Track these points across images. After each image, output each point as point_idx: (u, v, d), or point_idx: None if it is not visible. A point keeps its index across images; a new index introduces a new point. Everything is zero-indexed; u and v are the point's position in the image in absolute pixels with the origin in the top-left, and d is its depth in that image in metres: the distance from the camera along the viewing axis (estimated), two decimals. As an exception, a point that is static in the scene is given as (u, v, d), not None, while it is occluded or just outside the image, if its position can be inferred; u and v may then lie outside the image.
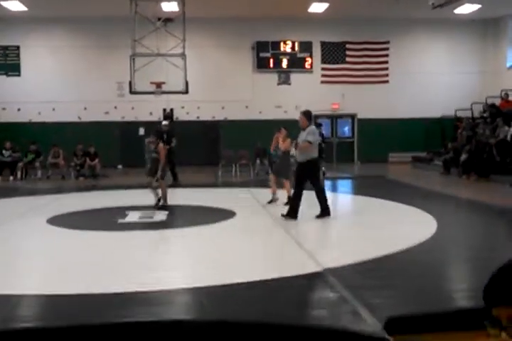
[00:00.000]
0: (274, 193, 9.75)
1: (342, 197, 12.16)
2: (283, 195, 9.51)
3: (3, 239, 7.25)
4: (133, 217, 8.68)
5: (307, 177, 8.21)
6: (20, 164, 15.66)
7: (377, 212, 9.23)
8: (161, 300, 4.66)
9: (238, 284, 4.93)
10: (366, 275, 5.29)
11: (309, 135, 8.15)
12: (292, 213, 8.11)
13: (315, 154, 8.25)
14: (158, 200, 9.47)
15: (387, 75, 20.48)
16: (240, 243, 6.91)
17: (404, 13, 18.60)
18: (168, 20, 16.20)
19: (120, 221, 8.33)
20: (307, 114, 8.48)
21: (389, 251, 6.05)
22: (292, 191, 8.59)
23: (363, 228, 7.75)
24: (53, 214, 8.96)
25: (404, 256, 6.00)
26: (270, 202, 9.73)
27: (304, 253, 6.09)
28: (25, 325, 3.96)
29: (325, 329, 3.97)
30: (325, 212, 8.25)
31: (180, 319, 4.15)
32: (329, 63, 20.34)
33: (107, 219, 8.50)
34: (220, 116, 20.05)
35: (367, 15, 18.91)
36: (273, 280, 5.10)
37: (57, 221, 8.34)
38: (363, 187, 13.07)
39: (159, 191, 9.52)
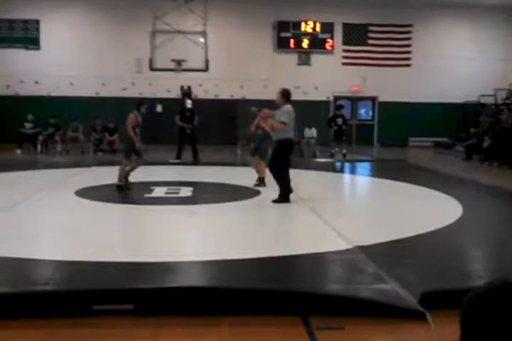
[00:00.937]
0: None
1: (364, 180, 12.20)
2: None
3: (37, 210, 7.36)
4: (159, 192, 8.75)
5: (280, 157, 7.98)
6: (40, 137, 15.76)
7: (401, 194, 9.23)
8: (187, 269, 4.74)
9: (263, 258, 4.97)
10: (396, 254, 5.33)
11: (283, 115, 7.94)
12: (283, 197, 7.89)
13: (288, 135, 8.01)
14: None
15: (409, 59, 20.31)
16: (266, 220, 6.98)
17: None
18: (189, -3, 16.08)
19: (147, 195, 8.40)
20: (283, 93, 8.21)
21: (417, 232, 6.07)
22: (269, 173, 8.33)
23: (388, 209, 7.75)
24: (79, 187, 9.04)
25: (433, 237, 6.02)
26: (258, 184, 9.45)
27: (332, 232, 6.12)
28: (53, 288, 4.11)
29: (362, 300, 4.03)
30: (283, 197, 7.95)
31: (219, 286, 4.23)
32: (351, 45, 20.18)
33: (133, 194, 8.59)
34: (238, 95, 19.99)
35: (391, -2, 18.67)
36: (302, 255, 5.15)
37: (85, 194, 8.42)
38: (385, 171, 13.01)
39: None
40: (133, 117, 9.03)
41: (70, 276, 4.48)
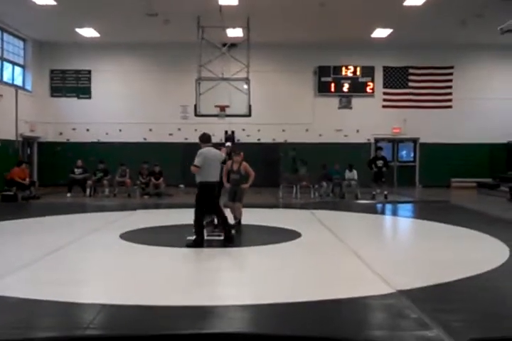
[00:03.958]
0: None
1: (406, 222, 12.03)
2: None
3: (82, 252, 7.59)
4: (201, 234, 8.86)
5: (200, 200, 7.96)
6: (89, 182, 16.32)
7: (445, 237, 9.06)
8: (228, 314, 4.70)
9: (305, 303, 4.94)
10: (441, 299, 5.22)
11: (196, 158, 7.90)
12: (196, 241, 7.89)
13: (205, 178, 7.89)
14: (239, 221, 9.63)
15: (450, 100, 20.33)
16: (307, 263, 6.94)
17: (470, 38, 18.49)
18: (232, 45, 16.66)
19: (189, 238, 8.53)
20: (200, 138, 8.24)
21: (462, 276, 5.95)
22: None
23: (431, 252, 7.61)
24: (124, 230, 9.29)
25: (480, 281, 5.88)
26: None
27: (374, 275, 6.06)
28: (96, 333, 4.17)
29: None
30: (227, 237, 8.01)
31: (248, 332, 4.23)
32: (391, 88, 20.42)
33: (175, 236, 8.71)
34: (280, 139, 20.30)
35: (431, 40, 18.91)
36: (343, 299, 5.09)
37: (129, 236, 8.65)
38: (427, 212, 12.87)
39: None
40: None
41: (110, 321, 4.54)
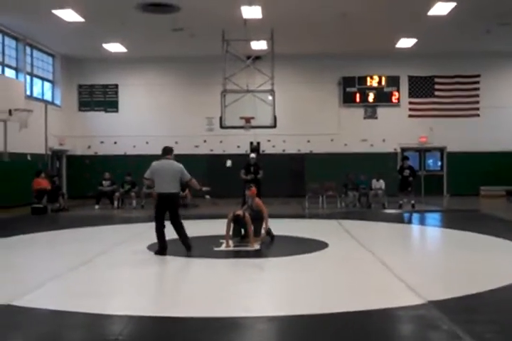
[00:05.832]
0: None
1: (434, 231, 11.88)
2: None
3: (111, 264, 7.67)
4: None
5: (156, 210, 8.30)
6: (117, 194, 16.55)
7: (474, 246, 8.93)
8: (257, 326, 4.69)
9: (334, 314, 4.90)
10: (472, 310, 5.12)
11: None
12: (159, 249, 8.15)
13: (158, 189, 8.10)
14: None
15: (477, 109, 20.08)
16: (335, 273, 6.90)
17: (496, 47, 18.30)
18: (257, 57, 16.76)
19: (216, 249, 8.57)
20: (162, 151, 8.36)
21: (495, 286, 5.85)
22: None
23: (461, 262, 7.51)
24: (152, 241, 9.32)
25: (510, 292, 5.77)
26: None
27: (403, 285, 5.99)
28: None
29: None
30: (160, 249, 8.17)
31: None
32: (417, 97, 20.29)
33: (203, 247, 8.74)
34: (305, 149, 20.31)
35: (456, 49, 18.77)
36: (373, 311, 5.02)
37: (157, 248, 8.68)
38: (455, 221, 12.68)
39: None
40: None
41: (139, 333, 4.55)
